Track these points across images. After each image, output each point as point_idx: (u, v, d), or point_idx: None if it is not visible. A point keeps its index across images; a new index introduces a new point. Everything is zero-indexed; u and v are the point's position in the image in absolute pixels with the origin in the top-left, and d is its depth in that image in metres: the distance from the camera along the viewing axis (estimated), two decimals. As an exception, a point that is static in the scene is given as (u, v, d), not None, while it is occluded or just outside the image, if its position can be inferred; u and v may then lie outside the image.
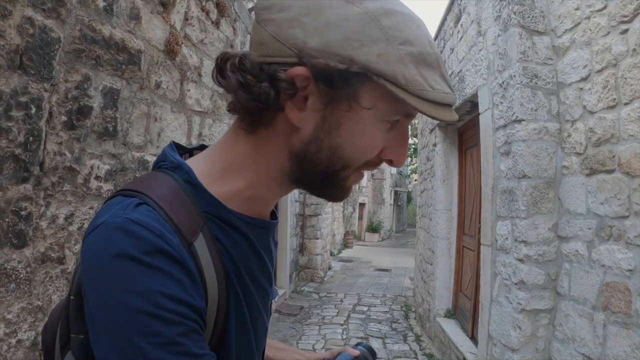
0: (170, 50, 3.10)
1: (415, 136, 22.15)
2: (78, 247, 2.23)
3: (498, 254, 3.83)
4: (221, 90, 0.73)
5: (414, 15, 0.66)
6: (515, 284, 3.43)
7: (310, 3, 0.63)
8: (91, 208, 2.36)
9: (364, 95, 0.64)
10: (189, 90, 3.52)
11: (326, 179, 0.70)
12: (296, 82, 0.64)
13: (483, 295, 4.20)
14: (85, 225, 2.28)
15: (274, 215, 0.85)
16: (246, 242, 0.73)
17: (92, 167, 2.35)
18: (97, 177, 2.40)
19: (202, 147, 0.80)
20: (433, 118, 0.65)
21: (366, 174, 22.57)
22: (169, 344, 0.55)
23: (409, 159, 29.23)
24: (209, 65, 3.81)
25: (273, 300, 0.90)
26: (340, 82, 0.62)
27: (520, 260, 3.40)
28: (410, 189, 35.39)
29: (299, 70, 0.62)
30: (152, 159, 2.88)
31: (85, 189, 2.32)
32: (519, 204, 3.45)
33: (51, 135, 2.06)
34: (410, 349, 6.51)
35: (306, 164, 0.69)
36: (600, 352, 2.76)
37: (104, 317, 0.57)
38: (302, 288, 10.27)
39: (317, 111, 0.66)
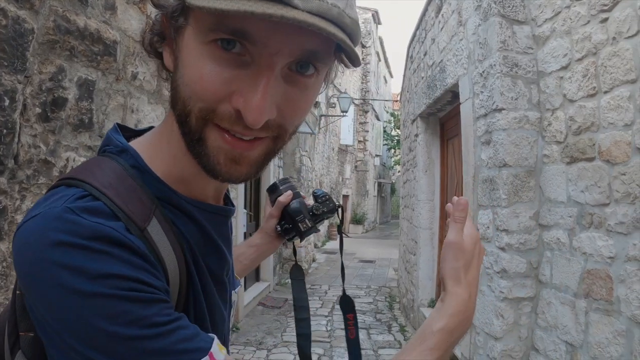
0: (148, 41, 3.03)
1: (398, 128, 22.23)
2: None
3: (480, 243, 3.84)
4: None
5: None
6: (497, 272, 3.46)
7: None
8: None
9: (183, 17, 0.58)
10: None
11: (182, 132, 0.61)
12: (160, 22, 0.64)
13: (466, 285, 4.21)
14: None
15: (228, 202, 0.80)
16: (198, 229, 0.69)
17: (67, 160, 2.30)
18: (73, 171, 2.35)
19: (150, 129, 0.75)
20: (238, 13, 0.48)
21: (349, 165, 22.65)
22: (138, 319, 0.52)
23: (392, 150, 29.31)
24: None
25: (234, 292, 0.86)
26: (168, 8, 0.59)
27: (502, 249, 3.42)
28: (393, 181, 35.54)
29: None
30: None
31: (61, 183, 2.26)
32: (500, 192, 3.47)
33: (25, 128, 2.01)
34: (395, 339, 6.55)
35: (175, 114, 0.62)
36: (583, 339, 2.79)
37: (56, 312, 0.52)
38: (286, 280, 10.25)
39: (171, 47, 0.63)
